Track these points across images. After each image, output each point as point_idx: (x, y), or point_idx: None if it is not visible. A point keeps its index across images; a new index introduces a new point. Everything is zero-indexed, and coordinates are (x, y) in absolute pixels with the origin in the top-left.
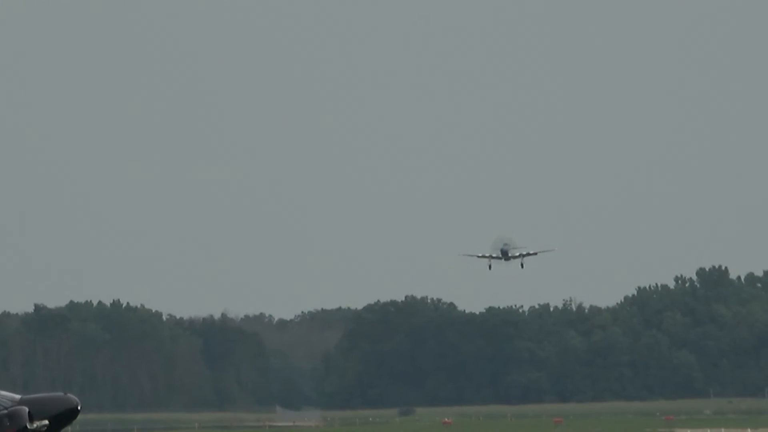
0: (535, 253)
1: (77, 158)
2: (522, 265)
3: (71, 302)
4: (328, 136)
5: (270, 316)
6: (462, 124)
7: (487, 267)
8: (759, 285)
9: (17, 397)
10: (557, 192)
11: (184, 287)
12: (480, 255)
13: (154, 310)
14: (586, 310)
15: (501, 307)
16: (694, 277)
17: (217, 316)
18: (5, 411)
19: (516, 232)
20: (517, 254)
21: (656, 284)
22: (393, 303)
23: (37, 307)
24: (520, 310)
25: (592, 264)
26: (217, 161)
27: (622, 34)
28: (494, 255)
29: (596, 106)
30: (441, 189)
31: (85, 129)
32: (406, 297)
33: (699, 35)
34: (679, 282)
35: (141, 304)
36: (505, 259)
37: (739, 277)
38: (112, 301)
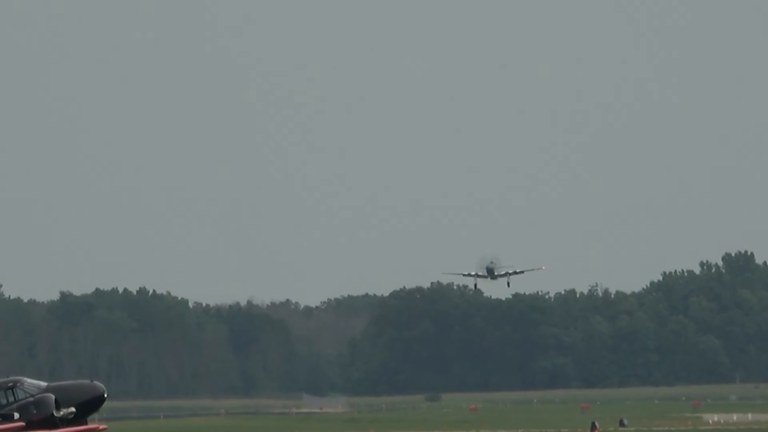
0: (522, 272)
1: (104, 144)
2: (508, 284)
3: (97, 290)
4: (353, 121)
5: (296, 302)
6: (495, 106)
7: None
8: None
9: (43, 384)
10: (583, 176)
11: (210, 274)
12: (465, 273)
13: (180, 298)
14: (612, 296)
15: (527, 293)
16: (720, 263)
17: (243, 303)
18: (31, 398)
19: (540, 216)
20: (503, 273)
21: (682, 270)
22: (419, 289)
23: (63, 295)
24: (546, 296)
25: (618, 249)
26: (243, 148)
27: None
28: (479, 273)
29: (614, 87)
30: (467, 175)
31: (112, 115)
32: (432, 283)
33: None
34: (705, 267)
35: (167, 292)
36: (491, 278)
37: (765, 263)
38: (138, 289)
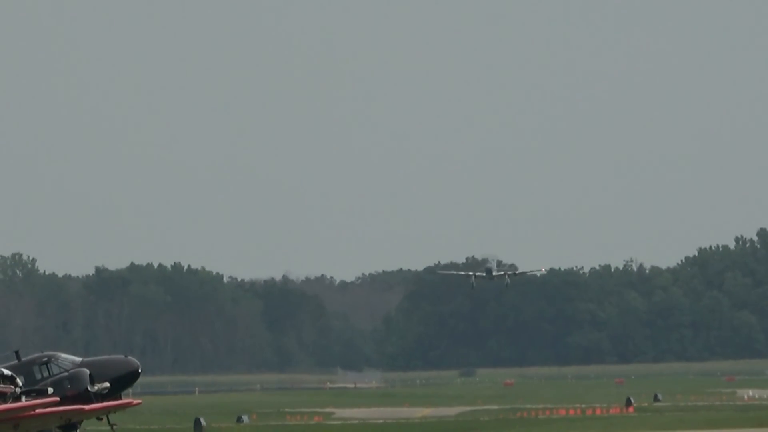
0: (522, 273)
1: (140, 121)
2: (507, 285)
3: (132, 264)
4: (388, 99)
5: (331, 278)
6: (523, 84)
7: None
8: None
9: (78, 359)
10: (618, 151)
11: (245, 250)
12: (464, 273)
13: (215, 273)
14: (647, 271)
15: (562, 269)
16: (755, 238)
17: (278, 278)
18: (66, 373)
19: (576, 192)
20: (502, 273)
21: (717, 245)
22: (454, 264)
23: (98, 270)
24: (581, 272)
25: (653, 224)
26: (280, 123)
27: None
28: (478, 273)
29: (642, 55)
30: (501, 149)
31: (147, 92)
32: (466, 258)
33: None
34: (740, 243)
35: (202, 267)
36: (489, 278)
37: None
38: (173, 264)
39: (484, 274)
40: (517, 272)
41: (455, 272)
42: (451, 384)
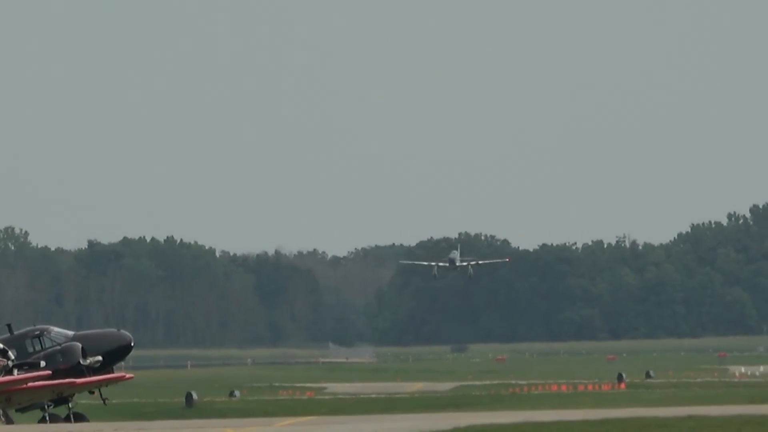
0: (484, 263)
1: (130, 94)
2: (470, 275)
3: (125, 238)
4: (379, 68)
5: (323, 252)
6: (515, 58)
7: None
8: None
9: (70, 333)
10: (611, 127)
11: (237, 223)
12: (426, 263)
13: (207, 247)
14: (640, 247)
15: (554, 244)
16: (748, 215)
17: (270, 252)
18: (58, 347)
19: (568, 167)
20: (465, 263)
21: (710, 221)
22: (446, 239)
23: (90, 243)
24: (573, 247)
25: (646, 201)
26: (269, 96)
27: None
28: (440, 263)
29: (639, 39)
30: (494, 124)
31: (140, 63)
32: (459, 234)
33: None
34: (733, 219)
35: (194, 241)
36: (452, 267)
37: None
38: (165, 237)
39: (447, 264)
40: (480, 262)
41: (419, 262)
42: (443, 359)
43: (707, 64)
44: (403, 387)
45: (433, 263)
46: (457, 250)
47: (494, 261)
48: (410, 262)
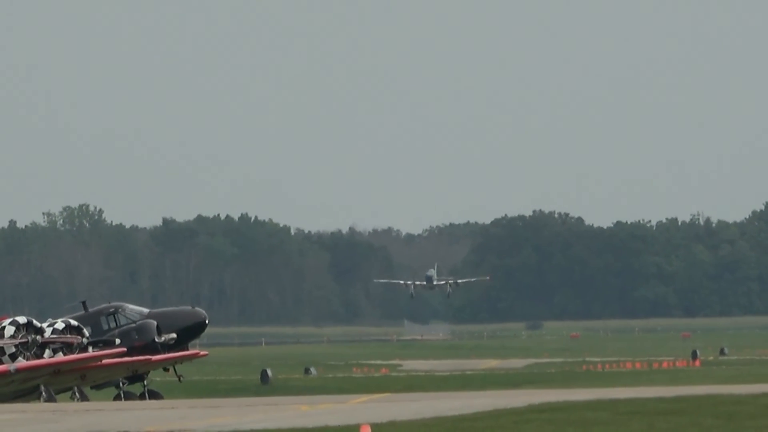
0: (462, 282)
1: (206, 69)
2: (449, 295)
3: (199, 216)
4: (449, 49)
5: (398, 230)
6: (590, 33)
7: (410, 295)
8: None
9: (145, 310)
10: (687, 104)
11: (312, 202)
12: (403, 282)
13: (282, 225)
14: (714, 225)
15: (629, 222)
16: None
17: (345, 230)
18: (133, 324)
19: (645, 145)
20: (443, 282)
21: None
22: (521, 217)
23: (165, 221)
24: (648, 225)
25: (721, 178)
26: (347, 74)
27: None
28: (417, 282)
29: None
30: (567, 102)
31: (210, 41)
32: (533, 211)
33: None
34: None
35: (269, 219)
36: (429, 287)
37: None
38: (240, 215)
39: (425, 283)
40: (459, 282)
41: (395, 281)
42: (517, 336)
43: None
44: (478, 364)
45: (409, 282)
46: (434, 268)
47: (473, 279)
48: (385, 281)
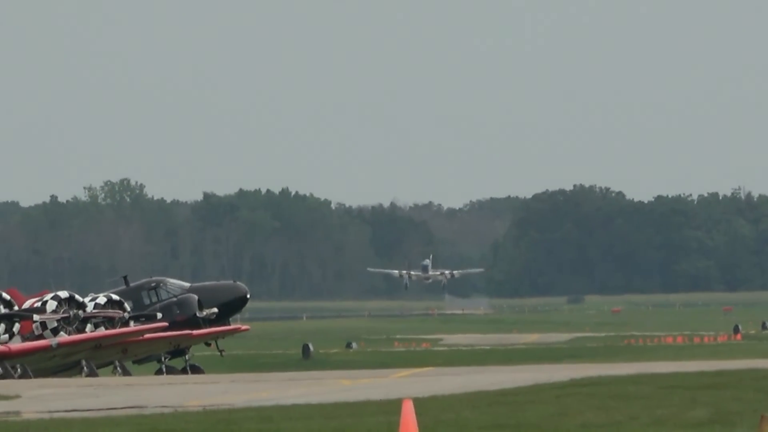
0: (457, 274)
1: (244, 52)
2: (444, 286)
3: (240, 190)
4: (499, 26)
5: (439, 204)
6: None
7: (404, 286)
8: None
9: (186, 285)
10: (729, 79)
11: (353, 176)
12: (398, 272)
13: (323, 199)
14: (755, 199)
15: (670, 196)
16: None
17: (386, 204)
18: (174, 299)
19: (686, 119)
20: (438, 273)
21: None
22: (561, 192)
23: (206, 195)
24: (689, 199)
25: (761, 152)
26: (388, 52)
27: None
28: (413, 272)
29: None
30: (609, 75)
31: (247, 26)
32: (574, 186)
33: None
34: None
35: (310, 193)
36: (424, 276)
37: None
38: (281, 189)
39: (420, 273)
40: (454, 273)
41: (389, 270)
42: (559, 311)
43: None
44: (519, 338)
45: (404, 271)
46: (429, 259)
47: (469, 271)
48: (378, 270)
